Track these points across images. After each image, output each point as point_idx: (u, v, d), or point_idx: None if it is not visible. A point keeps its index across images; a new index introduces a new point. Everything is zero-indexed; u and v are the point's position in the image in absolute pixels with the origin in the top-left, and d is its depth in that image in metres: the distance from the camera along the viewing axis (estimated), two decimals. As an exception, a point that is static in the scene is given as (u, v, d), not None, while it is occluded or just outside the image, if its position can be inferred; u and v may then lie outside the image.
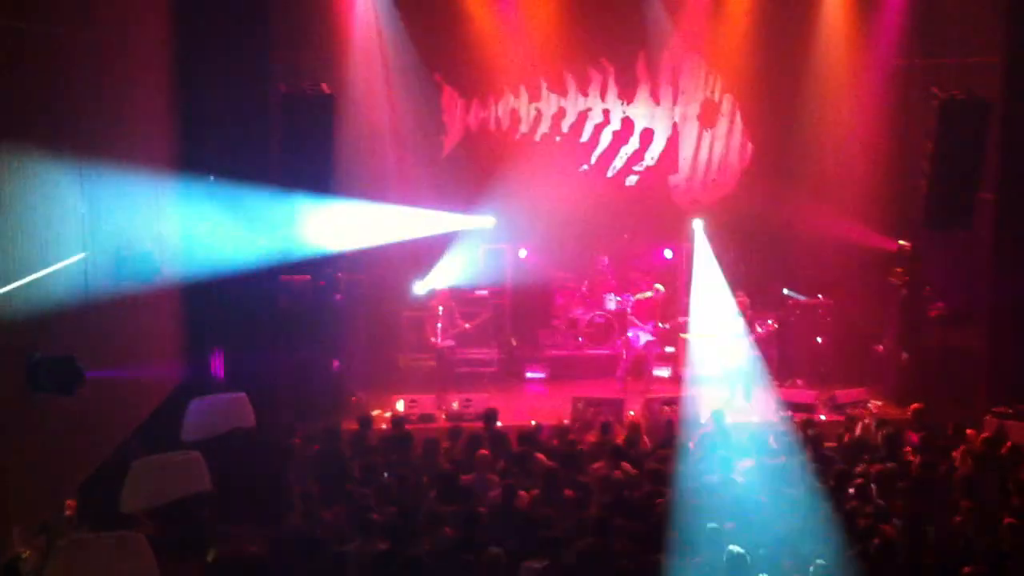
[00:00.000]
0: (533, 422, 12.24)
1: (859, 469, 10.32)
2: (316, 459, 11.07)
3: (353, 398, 14.64)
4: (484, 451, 10.45)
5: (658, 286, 16.15)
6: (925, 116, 13.44)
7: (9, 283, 5.73)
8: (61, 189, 6.67)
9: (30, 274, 6.05)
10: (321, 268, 14.56)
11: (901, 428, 11.82)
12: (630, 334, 15.89)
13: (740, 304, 15.28)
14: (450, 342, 15.28)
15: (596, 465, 10.39)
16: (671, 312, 16.83)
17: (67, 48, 6.74)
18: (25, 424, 5.94)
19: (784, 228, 16.67)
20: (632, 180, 17.72)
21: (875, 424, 12.09)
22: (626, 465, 10.27)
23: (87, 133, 7.19)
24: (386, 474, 10.38)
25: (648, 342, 15.82)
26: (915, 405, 12.40)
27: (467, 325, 15.50)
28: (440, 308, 15.24)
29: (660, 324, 16.09)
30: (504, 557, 8.00)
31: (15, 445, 5.86)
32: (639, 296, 16.14)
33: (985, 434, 11.40)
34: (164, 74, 9.69)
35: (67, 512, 8.95)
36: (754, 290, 15.81)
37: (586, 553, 8.05)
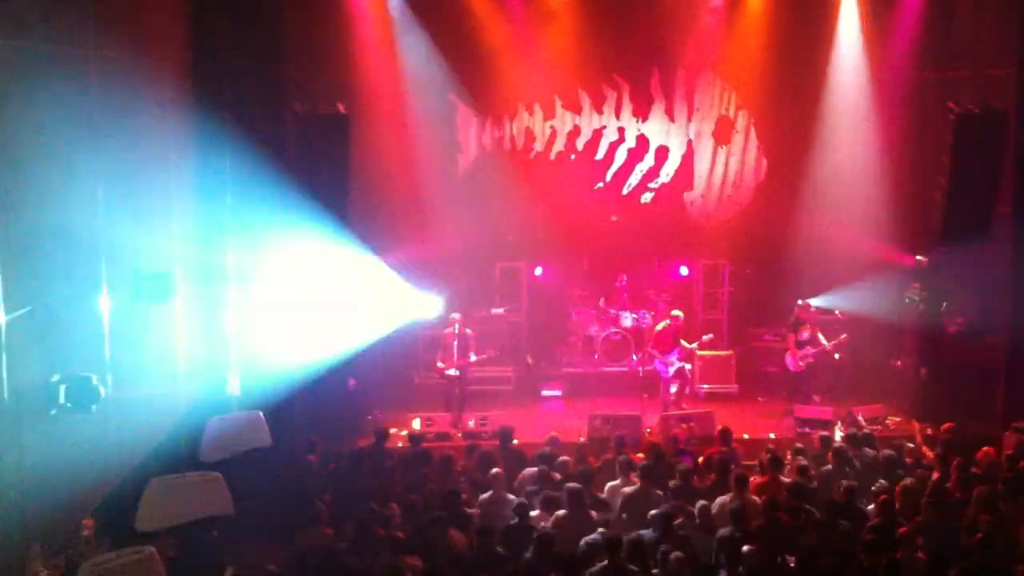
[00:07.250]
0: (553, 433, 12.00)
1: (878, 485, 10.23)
2: (335, 477, 11.07)
3: (370, 416, 14.65)
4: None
5: (676, 312, 15.29)
6: (941, 129, 13.38)
7: (28, 305, 5.78)
8: (80, 212, 6.73)
9: (49, 296, 6.10)
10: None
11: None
12: (658, 365, 15.08)
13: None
14: (454, 371, 14.67)
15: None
16: (690, 334, 16.60)
17: (84, 69, 6.81)
18: (43, 443, 5.98)
19: (799, 243, 16.60)
20: (647, 197, 17.74)
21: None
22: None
23: (105, 154, 7.27)
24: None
25: (679, 369, 15.09)
26: (947, 424, 12.15)
27: (473, 358, 14.75)
28: (455, 329, 14.81)
29: (684, 343, 15.30)
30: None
31: (34, 464, 5.90)
32: (659, 327, 15.33)
33: (1007, 451, 11.30)
34: (180, 95, 9.78)
35: (85, 532, 8.96)
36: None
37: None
